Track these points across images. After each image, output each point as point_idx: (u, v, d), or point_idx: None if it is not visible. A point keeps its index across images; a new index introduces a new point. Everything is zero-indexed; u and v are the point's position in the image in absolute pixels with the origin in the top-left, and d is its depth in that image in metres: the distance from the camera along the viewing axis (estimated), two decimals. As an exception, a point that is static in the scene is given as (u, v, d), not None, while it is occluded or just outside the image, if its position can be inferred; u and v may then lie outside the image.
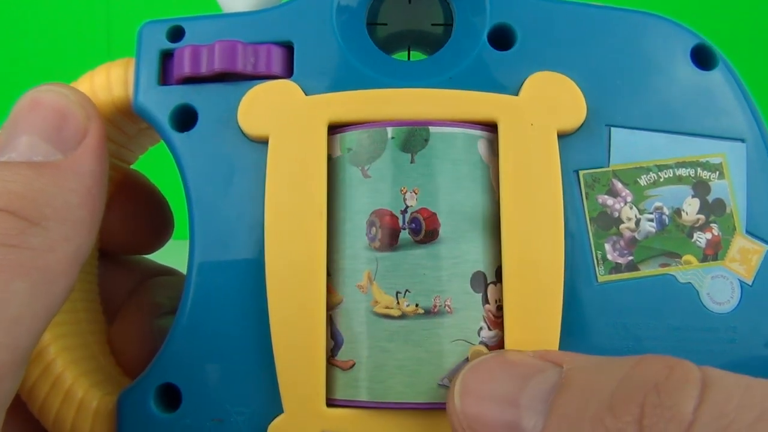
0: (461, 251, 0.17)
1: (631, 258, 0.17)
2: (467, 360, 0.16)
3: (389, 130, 0.17)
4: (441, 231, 0.17)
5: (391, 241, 0.17)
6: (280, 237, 0.17)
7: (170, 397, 0.17)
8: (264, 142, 0.17)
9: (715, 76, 0.18)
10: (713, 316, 0.17)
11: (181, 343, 0.17)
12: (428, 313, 0.17)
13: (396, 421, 0.17)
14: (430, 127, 0.17)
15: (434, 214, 0.17)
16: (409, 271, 0.17)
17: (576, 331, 0.17)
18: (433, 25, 0.21)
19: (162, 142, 0.19)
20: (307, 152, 0.17)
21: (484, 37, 0.18)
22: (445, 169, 0.17)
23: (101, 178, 0.17)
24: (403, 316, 0.17)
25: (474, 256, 0.17)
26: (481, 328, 0.17)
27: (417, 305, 0.17)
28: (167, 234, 0.23)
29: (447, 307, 0.17)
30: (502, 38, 0.18)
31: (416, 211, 0.17)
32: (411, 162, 0.17)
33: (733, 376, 0.13)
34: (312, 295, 0.17)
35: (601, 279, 0.17)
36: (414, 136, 0.17)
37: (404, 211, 0.17)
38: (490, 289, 0.17)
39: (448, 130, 0.17)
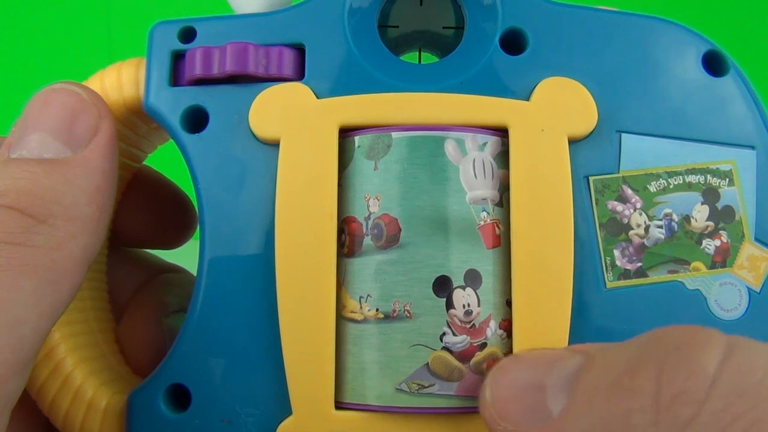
0: (423, 256, 0.17)
1: (639, 264, 0.17)
2: (427, 365, 0.16)
3: (356, 139, 0.17)
4: (402, 236, 0.17)
5: (356, 248, 0.17)
6: (291, 239, 0.17)
7: (180, 397, 0.18)
8: (275, 144, 0.18)
9: (727, 82, 0.18)
10: (721, 323, 0.17)
11: (191, 344, 0.17)
12: (387, 317, 0.17)
13: (406, 426, 0.17)
14: (392, 133, 0.17)
15: (395, 220, 0.17)
16: (371, 276, 0.17)
17: (584, 336, 0.17)
18: (444, 28, 0.21)
19: (172, 141, 0.19)
20: (318, 155, 0.17)
21: (496, 41, 0.18)
22: (408, 173, 0.17)
23: (111, 176, 0.17)
24: (365, 320, 0.17)
25: (437, 261, 0.17)
26: (444, 334, 0.17)
27: (377, 310, 0.17)
28: (190, 228, 0.23)
29: (406, 312, 0.17)
30: (513, 43, 0.18)
31: (378, 217, 0.17)
32: (374, 169, 0.17)
33: (760, 343, 0.12)
34: (322, 298, 0.17)
35: (609, 285, 0.17)
36: (377, 143, 0.17)
37: (368, 218, 0.17)
38: (457, 293, 0.17)
39: (410, 135, 0.17)
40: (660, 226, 0.18)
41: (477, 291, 0.17)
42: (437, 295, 0.17)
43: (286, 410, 0.17)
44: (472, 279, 0.17)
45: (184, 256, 0.24)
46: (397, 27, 0.21)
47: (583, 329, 0.17)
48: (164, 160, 0.24)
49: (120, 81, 0.19)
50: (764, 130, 0.18)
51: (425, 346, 0.17)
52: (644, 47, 0.18)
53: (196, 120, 0.18)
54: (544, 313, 0.17)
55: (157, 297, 0.22)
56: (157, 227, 0.23)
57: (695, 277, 0.17)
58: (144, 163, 0.22)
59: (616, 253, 0.17)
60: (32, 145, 0.16)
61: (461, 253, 0.17)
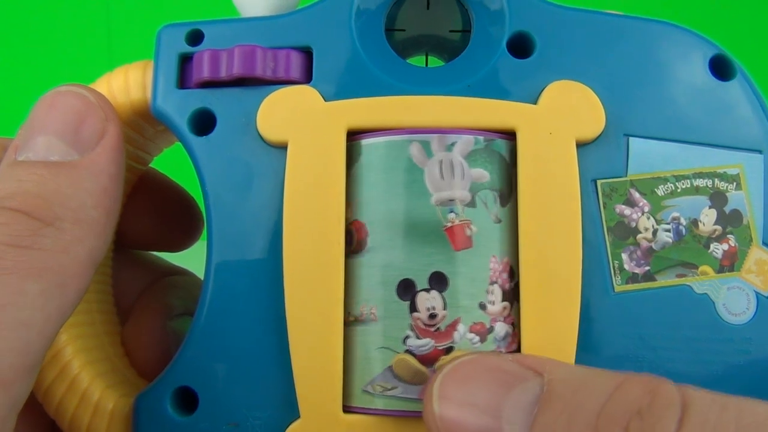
0: (388, 259, 0.17)
1: (647, 268, 0.17)
2: (390, 368, 0.17)
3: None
4: (369, 240, 0.17)
5: None
6: (299, 242, 0.17)
7: (187, 400, 0.17)
8: (283, 147, 0.18)
9: (733, 86, 0.18)
10: (729, 327, 0.17)
11: (198, 347, 0.17)
12: (356, 320, 0.17)
13: (415, 430, 0.17)
14: (362, 141, 0.17)
15: (363, 225, 0.17)
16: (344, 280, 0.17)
17: (592, 340, 0.17)
18: (451, 31, 0.21)
19: (179, 143, 0.19)
20: (326, 158, 0.17)
21: (503, 44, 0.18)
22: (375, 179, 0.17)
23: (117, 179, 0.17)
24: None
25: (402, 264, 0.17)
26: (407, 337, 0.17)
27: (349, 313, 0.17)
28: (196, 231, 0.23)
29: (372, 315, 0.17)
30: (521, 46, 0.18)
31: (350, 224, 0.17)
32: (347, 177, 0.17)
33: (709, 396, 0.13)
34: (330, 301, 0.17)
35: (617, 289, 0.17)
36: (351, 152, 0.17)
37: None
38: (421, 296, 0.17)
39: (374, 141, 0.17)
40: (668, 230, 0.18)
41: (443, 294, 0.17)
42: (401, 299, 0.17)
43: (293, 414, 0.17)
44: (437, 281, 0.17)
45: (190, 259, 0.24)
46: (404, 30, 0.21)
47: (591, 333, 0.17)
48: (171, 163, 0.24)
49: (127, 83, 0.19)
50: (772, 134, 0.18)
51: (389, 348, 0.17)
52: (651, 51, 0.18)
53: (204, 123, 0.18)
54: (552, 317, 0.17)
55: (162, 300, 0.22)
56: (163, 230, 0.23)
57: (703, 281, 0.17)
58: (150, 165, 0.22)
59: (624, 257, 0.17)
60: (39, 148, 0.16)
61: (425, 255, 0.17)
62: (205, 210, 0.18)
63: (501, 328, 0.17)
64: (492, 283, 0.17)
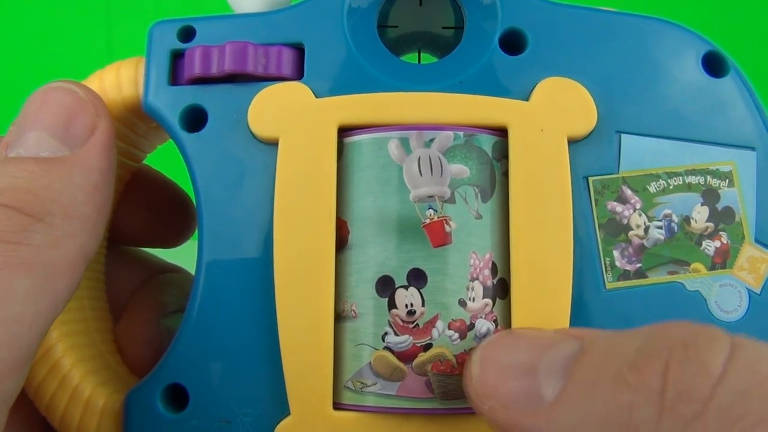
0: (368, 256, 0.17)
1: (639, 265, 0.17)
2: (370, 364, 0.17)
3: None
4: (350, 238, 0.17)
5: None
6: (289, 239, 0.17)
7: (178, 397, 0.17)
8: (274, 143, 0.17)
9: (726, 83, 0.18)
10: (721, 324, 0.17)
11: (189, 343, 0.17)
12: (339, 317, 0.17)
13: (405, 426, 0.17)
14: (344, 139, 0.17)
15: (345, 222, 0.17)
16: None
17: (583, 337, 0.17)
18: (443, 28, 0.21)
19: (171, 140, 0.19)
20: (317, 155, 0.17)
21: (496, 41, 0.18)
22: (356, 177, 0.17)
23: (109, 174, 0.17)
24: None
25: (380, 261, 0.17)
26: (386, 333, 0.17)
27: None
28: (190, 227, 0.23)
29: (353, 312, 0.17)
30: (513, 42, 0.18)
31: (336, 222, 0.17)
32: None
33: (763, 343, 0.12)
34: (320, 298, 0.17)
35: (609, 286, 0.17)
36: (339, 150, 0.17)
37: None
38: (399, 293, 0.17)
39: (356, 139, 0.17)
40: (660, 227, 0.17)
41: (421, 290, 0.17)
42: (380, 295, 0.17)
43: (284, 410, 0.17)
44: (416, 278, 0.17)
45: (184, 256, 0.24)
46: (397, 27, 0.21)
47: (583, 330, 0.17)
48: (164, 160, 0.24)
49: (119, 80, 0.19)
50: (764, 132, 0.18)
51: (368, 345, 0.17)
52: (644, 48, 0.18)
53: (195, 119, 0.18)
54: (543, 314, 0.17)
55: (155, 297, 0.22)
56: (157, 226, 0.23)
57: (695, 278, 0.17)
58: (143, 162, 0.22)
59: (616, 253, 0.17)
60: (30, 144, 0.16)
61: (404, 252, 0.17)
62: (196, 206, 0.18)
63: (482, 325, 0.17)
64: (473, 279, 0.17)
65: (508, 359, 0.15)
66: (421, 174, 0.17)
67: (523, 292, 0.17)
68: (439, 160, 0.17)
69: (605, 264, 0.17)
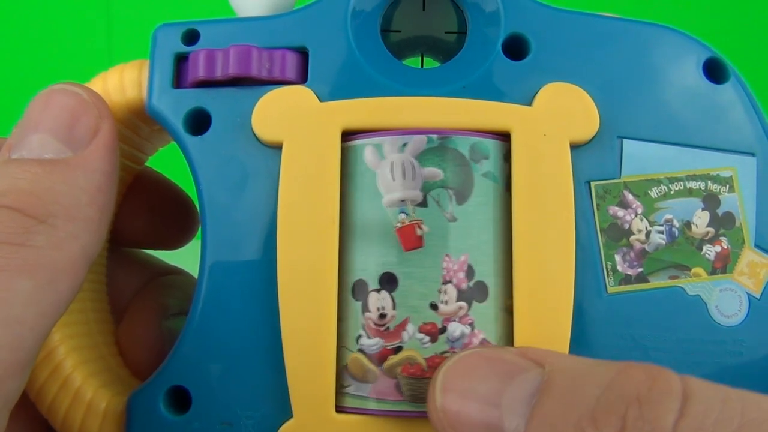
0: (344, 262, 0.17)
1: (640, 270, 0.17)
2: (346, 366, 0.17)
3: None
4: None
5: None
6: (293, 243, 0.17)
7: (180, 399, 0.17)
8: (278, 147, 0.18)
9: (727, 89, 0.18)
10: (721, 328, 0.17)
11: (191, 346, 0.17)
12: None
13: (407, 429, 0.17)
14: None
15: None
16: None
17: (585, 341, 0.17)
18: (446, 33, 0.21)
19: (174, 143, 0.19)
20: (320, 159, 0.17)
21: (498, 46, 0.18)
22: (345, 182, 0.17)
23: (111, 176, 0.17)
24: None
25: (356, 265, 0.17)
26: (359, 336, 0.17)
27: None
28: (192, 229, 0.23)
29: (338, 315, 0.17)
30: (516, 48, 0.18)
31: None
32: None
33: (712, 388, 0.13)
34: (323, 301, 0.17)
35: (610, 290, 0.17)
36: None
37: None
38: (372, 296, 0.17)
39: (349, 144, 0.17)
40: (661, 232, 0.18)
41: (392, 294, 0.17)
42: (355, 299, 0.17)
43: (286, 413, 0.17)
44: (387, 282, 0.17)
45: (186, 258, 0.24)
46: (400, 32, 0.21)
47: (584, 334, 0.17)
48: (166, 162, 0.24)
49: (122, 83, 0.19)
50: (764, 138, 0.18)
51: (345, 347, 0.17)
52: (646, 54, 0.18)
53: (199, 122, 0.18)
54: (545, 318, 0.17)
55: (157, 299, 0.22)
56: (159, 228, 0.23)
57: (696, 282, 0.17)
58: (146, 164, 0.22)
59: (617, 258, 0.17)
60: (33, 146, 0.16)
61: (377, 256, 0.17)
62: (200, 209, 0.18)
63: (455, 329, 0.17)
64: (445, 282, 0.17)
65: (470, 386, 0.15)
66: (393, 179, 0.17)
67: (525, 297, 0.17)
68: (412, 164, 0.17)
69: (607, 268, 0.17)
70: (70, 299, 0.16)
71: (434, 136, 0.17)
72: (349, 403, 0.17)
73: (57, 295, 0.15)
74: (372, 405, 0.17)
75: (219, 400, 0.17)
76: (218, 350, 0.17)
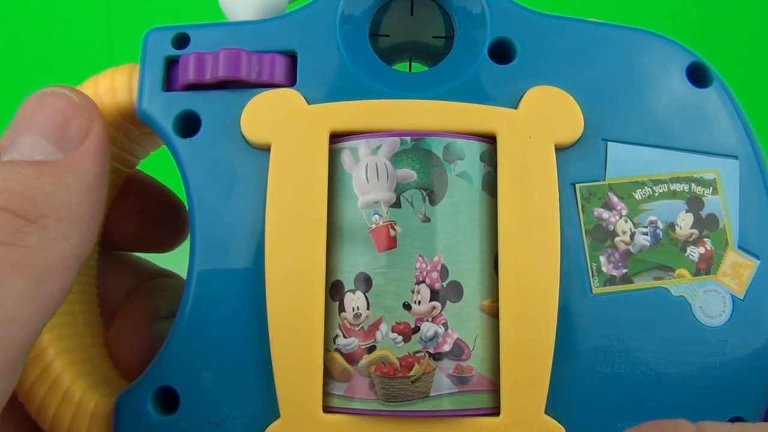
0: (326, 263, 0.17)
1: (625, 271, 0.18)
2: (325, 365, 0.17)
3: None
4: None
5: None
6: (281, 245, 0.17)
7: (168, 400, 0.18)
8: (266, 149, 0.18)
9: (710, 93, 0.18)
10: (705, 329, 0.17)
11: (179, 346, 0.18)
12: None
13: (394, 428, 0.17)
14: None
15: None
16: None
17: (570, 341, 0.17)
18: (434, 37, 0.21)
19: (164, 146, 0.19)
20: (308, 161, 0.17)
21: (485, 50, 0.18)
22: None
23: (102, 178, 0.17)
24: None
25: (333, 267, 0.17)
26: (336, 336, 0.17)
27: None
28: (182, 232, 0.24)
29: None
30: (502, 52, 0.18)
31: None
32: None
33: (726, 428, 0.13)
34: (310, 302, 0.17)
35: (595, 291, 0.17)
36: None
37: None
38: (348, 296, 0.17)
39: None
40: (645, 233, 0.18)
41: (366, 294, 0.17)
42: (332, 299, 0.17)
43: (273, 413, 0.17)
44: (362, 282, 0.17)
45: (177, 261, 0.24)
46: (388, 36, 0.21)
47: (569, 334, 0.17)
48: (157, 166, 0.24)
49: (113, 86, 0.19)
50: (747, 141, 0.18)
51: (326, 348, 0.17)
52: (630, 58, 0.18)
53: (189, 125, 0.18)
54: (530, 319, 0.17)
55: (147, 302, 0.22)
56: (149, 231, 0.23)
57: (680, 283, 0.18)
58: (137, 168, 0.23)
59: (602, 259, 0.18)
60: (24, 148, 0.17)
61: (352, 257, 0.17)
62: (189, 211, 0.18)
63: (428, 329, 0.17)
64: (418, 282, 0.17)
65: None
66: (368, 181, 0.17)
67: (510, 297, 0.17)
68: (385, 166, 0.17)
69: (592, 269, 0.17)
70: (60, 299, 0.16)
71: (407, 138, 0.17)
72: (335, 403, 0.17)
73: (47, 294, 0.15)
74: (357, 405, 0.17)
75: (207, 401, 0.17)
76: (206, 350, 0.17)
